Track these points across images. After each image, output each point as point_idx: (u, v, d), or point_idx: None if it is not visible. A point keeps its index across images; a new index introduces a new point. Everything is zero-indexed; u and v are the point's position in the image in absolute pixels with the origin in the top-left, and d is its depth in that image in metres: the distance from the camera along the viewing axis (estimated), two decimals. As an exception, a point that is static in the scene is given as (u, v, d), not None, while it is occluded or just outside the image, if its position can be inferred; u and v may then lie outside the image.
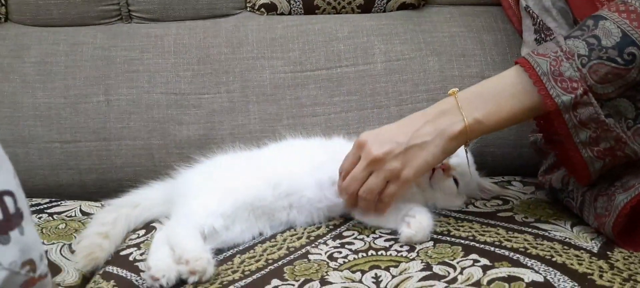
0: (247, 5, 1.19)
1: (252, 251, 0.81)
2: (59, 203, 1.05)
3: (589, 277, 0.68)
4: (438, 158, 0.78)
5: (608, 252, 0.74)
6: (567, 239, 0.77)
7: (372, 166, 0.79)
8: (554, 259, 0.71)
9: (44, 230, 0.94)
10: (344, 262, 0.75)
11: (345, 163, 0.82)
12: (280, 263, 0.77)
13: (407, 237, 0.78)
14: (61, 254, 0.87)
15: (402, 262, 0.73)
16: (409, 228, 0.78)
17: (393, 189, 0.79)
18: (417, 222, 0.78)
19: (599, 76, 0.72)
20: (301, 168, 0.88)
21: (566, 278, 0.67)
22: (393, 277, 0.70)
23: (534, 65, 0.75)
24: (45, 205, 1.03)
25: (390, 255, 0.76)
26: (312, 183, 0.86)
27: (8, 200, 0.48)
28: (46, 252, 0.87)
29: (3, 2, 1.18)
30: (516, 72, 0.77)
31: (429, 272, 0.70)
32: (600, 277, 0.68)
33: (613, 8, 0.74)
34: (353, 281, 0.70)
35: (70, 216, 1.00)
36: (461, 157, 0.87)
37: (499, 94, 0.77)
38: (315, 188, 0.86)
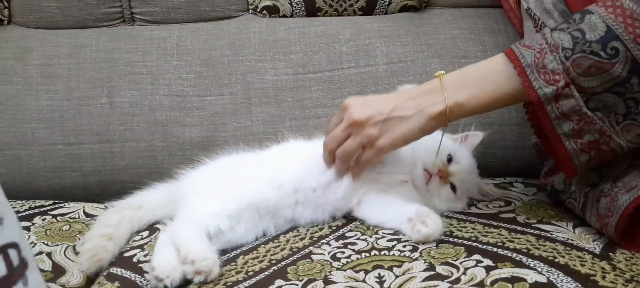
0: (250, 7, 1.20)
1: (255, 252, 0.81)
2: (63, 205, 1.05)
3: (591, 277, 0.68)
4: (415, 135, 0.80)
5: (610, 253, 0.74)
6: (570, 240, 0.78)
7: (351, 129, 0.82)
8: (556, 260, 0.72)
9: (47, 232, 0.94)
10: (347, 262, 0.75)
11: (331, 122, 0.87)
12: (283, 263, 0.77)
13: (424, 235, 0.77)
14: (65, 256, 0.88)
15: (405, 262, 0.74)
16: (426, 227, 0.78)
17: (368, 155, 0.83)
18: (433, 221, 0.78)
19: (582, 69, 0.72)
20: (304, 168, 0.88)
21: (569, 279, 0.67)
22: (396, 276, 0.70)
23: (519, 56, 0.76)
24: (48, 207, 1.04)
25: (393, 255, 0.76)
26: (316, 182, 0.87)
27: (12, 252, 0.48)
28: (50, 254, 0.87)
29: (6, 4, 1.19)
30: (502, 60, 0.78)
31: (432, 272, 0.70)
32: (603, 278, 0.68)
33: (600, 4, 0.75)
34: (356, 280, 0.70)
35: (74, 218, 1.00)
36: (461, 164, 0.89)
37: (483, 79, 0.79)
38: (319, 185, 0.87)
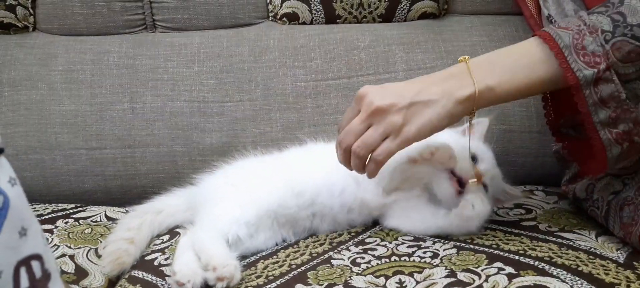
0: (269, 14, 1.21)
1: (275, 257, 0.82)
2: (85, 208, 1.06)
3: (616, 286, 0.67)
4: (442, 121, 0.73)
5: (634, 263, 0.73)
6: (592, 249, 0.77)
7: (372, 118, 0.74)
8: (579, 268, 0.71)
9: (70, 235, 0.95)
10: (367, 267, 0.75)
11: (344, 117, 0.78)
12: (303, 268, 0.77)
13: (476, 212, 0.77)
14: (87, 258, 0.89)
15: (425, 268, 0.73)
16: (472, 210, 0.77)
17: (389, 145, 0.73)
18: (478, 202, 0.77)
19: (622, 54, 0.69)
20: (323, 178, 0.87)
21: (593, 287, 0.66)
22: (417, 282, 0.70)
23: (556, 37, 0.71)
24: (71, 211, 1.05)
25: (414, 261, 0.76)
26: (338, 205, 0.86)
27: (35, 264, 0.48)
28: (73, 256, 0.89)
29: (31, 12, 1.21)
30: (534, 43, 0.73)
31: (453, 279, 0.69)
32: (628, 287, 0.67)
33: None
34: (377, 285, 0.70)
35: (96, 221, 1.01)
36: (487, 161, 0.84)
37: (513, 63, 0.73)
38: (337, 199, 0.86)
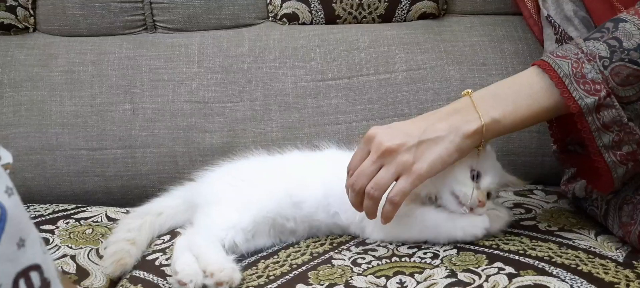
0: (269, 15, 1.21)
1: (276, 256, 0.82)
2: (85, 209, 1.07)
3: (615, 286, 0.67)
4: (452, 156, 0.74)
5: (634, 262, 0.73)
6: (592, 248, 0.77)
7: (383, 158, 0.74)
8: (579, 268, 0.71)
9: (71, 235, 0.95)
10: (368, 268, 0.75)
11: (353, 159, 0.78)
12: (304, 268, 0.78)
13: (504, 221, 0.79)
14: (89, 258, 0.89)
15: (426, 268, 0.74)
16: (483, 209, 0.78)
17: (403, 184, 0.74)
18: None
19: (620, 78, 0.71)
20: (320, 196, 0.85)
21: (593, 287, 0.67)
22: (418, 283, 0.70)
23: (555, 66, 0.73)
24: (72, 211, 1.05)
25: (414, 261, 0.76)
26: (329, 214, 0.86)
27: (34, 275, 0.46)
28: (74, 256, 0.89)
29: (31, 13, 1.22)
30: (534, 73, 0.75)
31: (454, 279, 0.70)
32: (627, 286, 0.67)
33: (632, 11, 0.73)
34: (378, 286, 0.71)
35: (97, 221, 1.02)
36: (489, 171, 0.80)
37: (515, 94, 0.75)
38: (332, 219, 0.86)
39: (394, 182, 0.75)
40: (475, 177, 0.78)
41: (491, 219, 0.79)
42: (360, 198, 0.76)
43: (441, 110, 0.77)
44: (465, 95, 0.76)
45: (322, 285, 0.72)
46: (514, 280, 0.69)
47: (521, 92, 0.75)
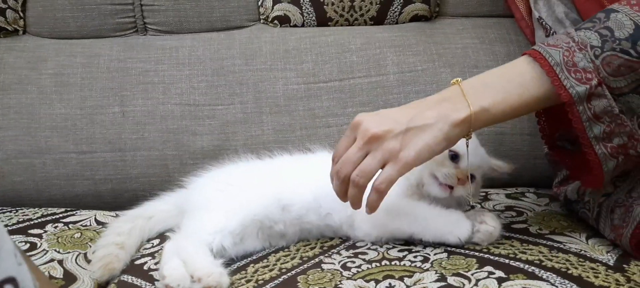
0: (261, 17, 1.21)
1: (265, 260, 0.81)
2: (75, 212, 1.06)
3: (605, 289, 0.67)
4: (439, 145, 0.72)
5: (624, 265, 0.73)
6: (583, 251, 0.77)
7: (369, 145, 0.72)
8: (569, 272, 0.71)
9: (59, 240, 0.94)
10: (358, 271, 0.75)
11: (339, 146, 0.76)
12: (293, 272, 0.77)
13: (489, 233, 0.78)
14: (76, 263, 0.88)
15: (416, 272, 0.73)
16: (487, 225, 0.78)
17: (390, 172, 0.71)
18: (490, 217, 0.78)
19: (612, 68, 0.70)
20: (310, 198, 0.85)
21: (583, 290, 0.67)
22: (407, 286, 0.70)
23: (546, 55, 0.72)
24: (61, 215, 1.04)
25: (404, 265, 0.75)
26: (320, 216, 0.85)
27: None
28: (62, 261, 0.88)
29: (21, 15, 1.21)
30: (525, 62, 0.74)
31: (443, 283, 0.69)
32: (617, 289, 0.67)
33: (624, 2, 0.73)
34: (367, 291, 0.70)
35: (86, 225, 1.01)
36: (466, 162, 0.80)
37: (506, 82, 0.73)
38: (323, 221, 0.86)
39: (380, 170, 0.73)
40: (454, 157, 0.79)
41: (482, 234, 0.79)
42: (345, 186, 0.74)
43: (430, 98, 0.75)
44: (454, 84, 0.75)
45: (311, 289, 0.72)
46: (504, 284, 0.68)
47: (512, 81, 0.73)
